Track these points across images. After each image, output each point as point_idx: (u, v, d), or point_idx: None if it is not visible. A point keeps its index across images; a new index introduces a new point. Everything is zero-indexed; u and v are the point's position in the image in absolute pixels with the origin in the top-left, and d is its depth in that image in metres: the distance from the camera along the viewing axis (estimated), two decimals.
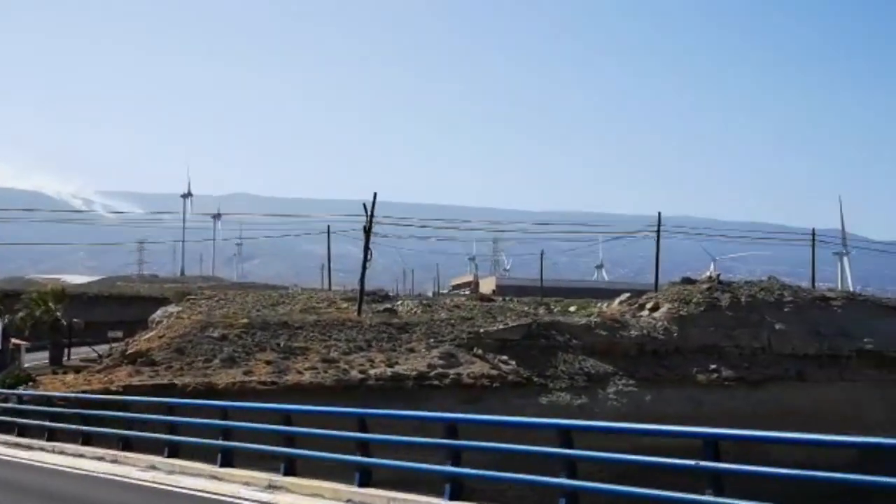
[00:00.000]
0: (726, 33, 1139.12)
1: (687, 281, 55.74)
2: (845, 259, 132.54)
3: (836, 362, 52.97)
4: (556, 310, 59.31)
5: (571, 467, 12.78)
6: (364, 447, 17.73)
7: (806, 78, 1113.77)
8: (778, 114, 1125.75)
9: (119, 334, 63.53)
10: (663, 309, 50.57)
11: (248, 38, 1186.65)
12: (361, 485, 17.11)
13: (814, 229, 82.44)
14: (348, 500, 16.87)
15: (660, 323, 49.32)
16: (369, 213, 53.12)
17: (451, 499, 14.94)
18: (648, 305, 51.47)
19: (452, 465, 15.43)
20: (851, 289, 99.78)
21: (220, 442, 21.66)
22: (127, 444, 25.58)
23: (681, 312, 50.16)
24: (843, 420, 48.62)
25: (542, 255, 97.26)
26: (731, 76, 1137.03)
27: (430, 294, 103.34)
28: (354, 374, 39.61)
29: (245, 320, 46.26)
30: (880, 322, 56.31)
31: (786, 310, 53.41)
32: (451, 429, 15.87)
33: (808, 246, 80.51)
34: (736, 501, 10.63)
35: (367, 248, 52.89)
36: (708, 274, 60.28)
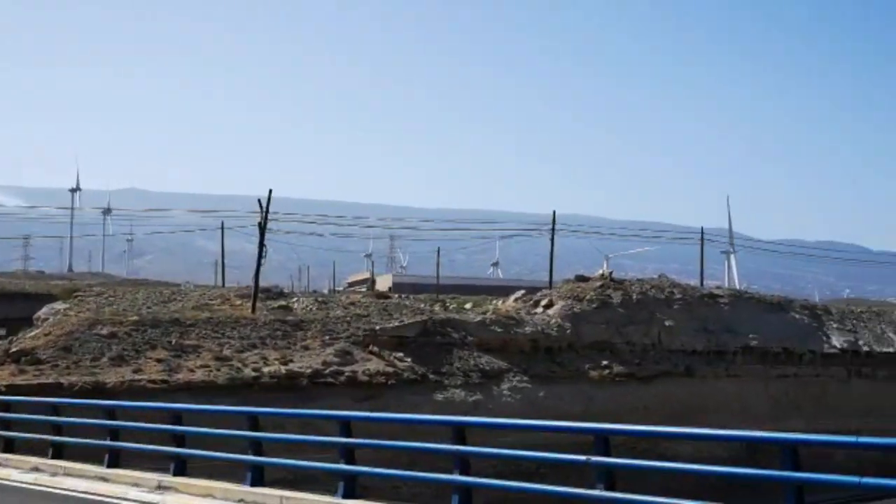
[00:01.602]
0: (618, 32, 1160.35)
1: (580, 279, 56.52)
2: (732, 257, 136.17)
3: (723, 358, 54.42)
4: (451, 307, 59.54)
5: (464, 464, 12.80)
6: (256, 446, 17.49)
7: (694, 77, 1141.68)
8: (666, 114, 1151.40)
9: (2, 332, 61.44)
10: (557, 306, 51.19)
11: (143, 31, 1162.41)
12: (253, 484, 16.89)
13: (702, 228, 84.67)
14: (240, 500, 16.64)
15: (554, 320, 49.92)
16: (264, 209, 52.50)
17: (344, 497, 14.85)
18: (543, 303, 52.04)
19: (346, 463, 15.33)
20: (738, 286, 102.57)
21: (107, 442, 21.12)
22: (8, 446, 24.74)
23: (574, 310, 50.85)
24: (729, 414, 50.07)
25: (438, 252, 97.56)
26: (620, 76, 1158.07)
27: (325, 291, 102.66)
28: (248, 372, 39.07)
29: (135, 317, 45.23)
30: (765, 319, 58.04)
31: (675, 307, 54.63)
32: (345, 426, 15.76)
33: (697, 244, 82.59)
34: (626, 496, 10.79)
35: (261, 245, 52.26)
36: (601, 272, 61.16)
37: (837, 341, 60.89)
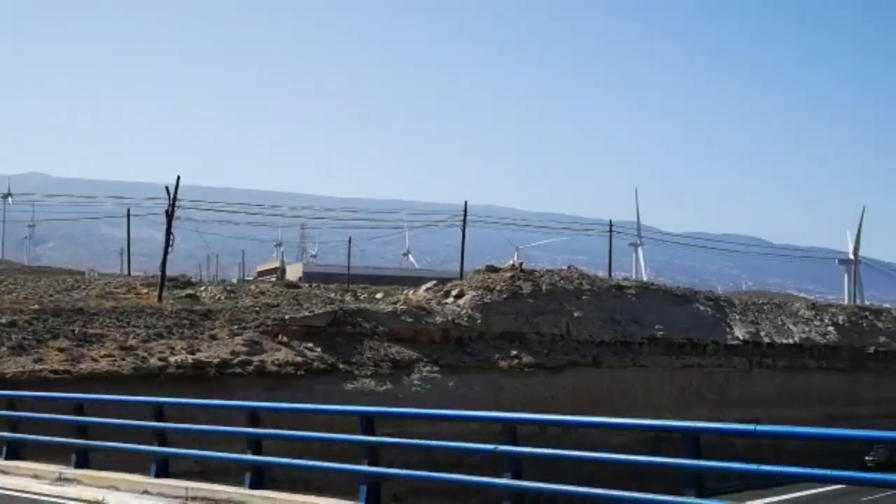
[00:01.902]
0: (531, 24, 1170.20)
1: (491, 269, 56.93)
2: (640, 250, 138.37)
3: (630, 348, 55.42)
4: (362, 297, 59.42)
5: (373, 454, 12.79)
6: (161, 437, 17.22)
7: (604, 69, 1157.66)
8: (577, 107, 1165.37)
9: None
10: (468, 297, 51.47)
11: (46, 9, 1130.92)
12: (158, 475, 16.62)
13: (611, 220, 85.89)
14: (144, 492, 16.37)
15: (464, 310, 50.18)
16: (172, 196, 51.63)
17: (251, 487, 14.71)
18: (453, 293, 52.27)
19: (253, 453, 15.19)
20: (645, 278, 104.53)
21: (6, 434, 20.57)
22: None
23: (485, 300, 51.19)
24: (635, 403, 50.98)
25: (349, 242, 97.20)
26: (527, 69, 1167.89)
27: (234, 280, 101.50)
28: (154, 361, 38.43)
29: (36, 306, 44.08)
30: (670, 310, 59.28)
31: (584, 298, 55.40)
32: (253, 417, 15.62)
33: (606, 236, 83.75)
34: (533, 484, 10.90)
35: (169, 233, 51.40)
36: (511, 263, 61.72)
37: (740, 332, 62.48)
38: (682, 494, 9.71)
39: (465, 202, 73.80)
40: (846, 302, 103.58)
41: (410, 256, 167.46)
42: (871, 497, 39.99)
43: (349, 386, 42.11)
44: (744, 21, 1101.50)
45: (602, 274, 72.26)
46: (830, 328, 69.11)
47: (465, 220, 71.95)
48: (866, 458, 50.13)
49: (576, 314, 53.82)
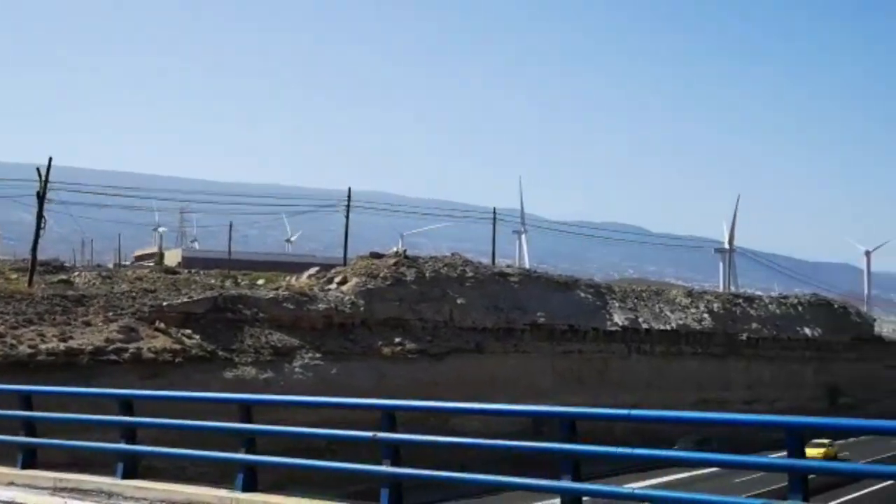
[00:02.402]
0: (410, 15, 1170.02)
1: (375, 256, 56.79)
2: (523, 237, 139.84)
3: (512, 335, 56.06)
4: (243, 283, 58.54)
5: (250, 442, 12.55)
6: (29, 426, 16.56)
7: (485, 58, 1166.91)
8: (462, 94, 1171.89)
9: None
10: (351, 283, 51.24)
11: None
12: (25, 466, 15.98)
13: (494, 208, 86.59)
14: (10, 483, 15.71)
15: (347, 297, 49.94)
16: (44, 178, 49.84)
17: (124, 477, 14.26)
18: (337, 279, 51.97)
19: (127, 442, 14.73)
20: (528, 265, 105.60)
21: None
22: None
23: (368, 286, 51.04)
24: (516, 389, 51.56)
25: (230, 227, 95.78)
26: (413, 52, 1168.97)
27: (110, 266, 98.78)
28: (23, 349, 37.12)
29: None
30: (552, 297, 60.15)
31: (467, 285, 55.76)
32: (126, 405, 15.13)
33: (490, 223, 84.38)
34: (410, 470, 10.83)
35: (40, 216, 49.64)
36: (395, 249, 61.68)
37: (619, 319, 63.87)
38: (559, 478, 9.77)
39: (350, 188, 73.41)
40: (721, 290, 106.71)
41: (293, 242, 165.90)
42: (742, 479, 41.36)
43: (229, 374, 41.50)
44: (630, 12, 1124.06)
45: (486, 261, 72.84)
46: (706, 315, 71.22)
47: (349, 206, 71.57)
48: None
49: (459, 301, 54.12)
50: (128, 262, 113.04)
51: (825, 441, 50.99)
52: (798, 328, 79.68)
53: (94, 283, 52.28)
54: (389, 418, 11.00)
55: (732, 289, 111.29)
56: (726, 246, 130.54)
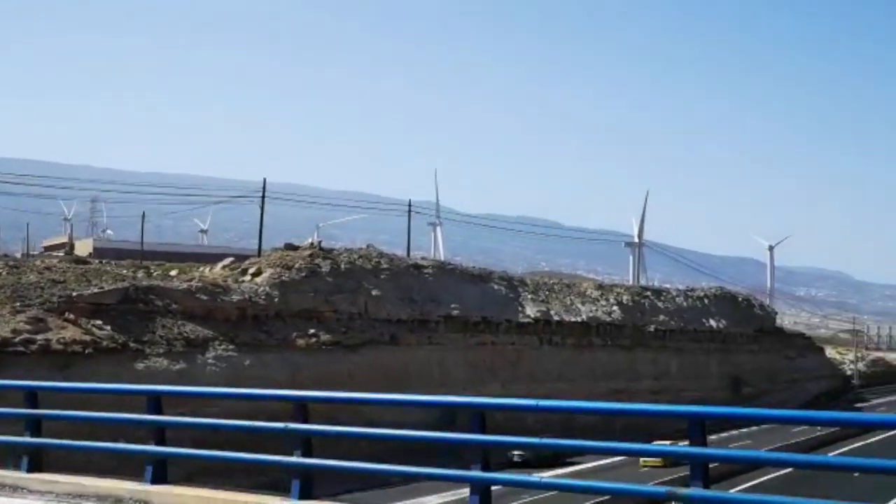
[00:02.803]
0: (332, 8, 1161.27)
1: (289, 247, 56.55)
2: (438, 229, 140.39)
3: (426, 326, 56.39)
4: (155, 274, 57.68)
5: (160, 434, 12.51)
6: None
7: (399, 49, 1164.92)
8: (375, 86, 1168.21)
9: None
10: (266, 274, 50.96)
11: None
12: None
13: (410, 201, 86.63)
14: None
15: (262, 288, 49.66)
16: None
17: (29, 471, 14.06)
18: (251, 271, 51.63)
19: (32, 435, 14.52)
20: (443, 258, 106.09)
21: None
22: None
23: (283, 278, 50.81)
24: (430, 380, 51.96)
25: (143, 217, 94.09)
26: (327, 45, 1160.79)
27: (18, 255, 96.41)
28: None
29: None
30: (466, 289, 60.64)
31: (382, 276, 55.87)
32: (31, 397, 14.90)
33: (405, 216, 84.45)
34: (321, 461, 10.94)
35: None
36: (310, 241, 61.49)
37: (531, 311, 64.67)
38: (469, 468, 9.99)
39: (264, 179, 72.79)
40: (630, 283, 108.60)
41: (208, 233, 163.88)
42: (646, 468, 42.35)
43: (140, 365, 40.98)
44: (535, 7, 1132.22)
45: (401, 253, 72.95)
46: (615, 307, 72.51)
47: (263, 197, 70.94)
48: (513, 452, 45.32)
49: (374, 293, 54.22)
50: (36, 252, 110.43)
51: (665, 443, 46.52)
52: (704, 320, 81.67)
53: (0, 273, 51.04)
54: (300, 409, 11.10)
55: (642, 282, 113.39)
56: (636, 240, 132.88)
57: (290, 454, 11.12)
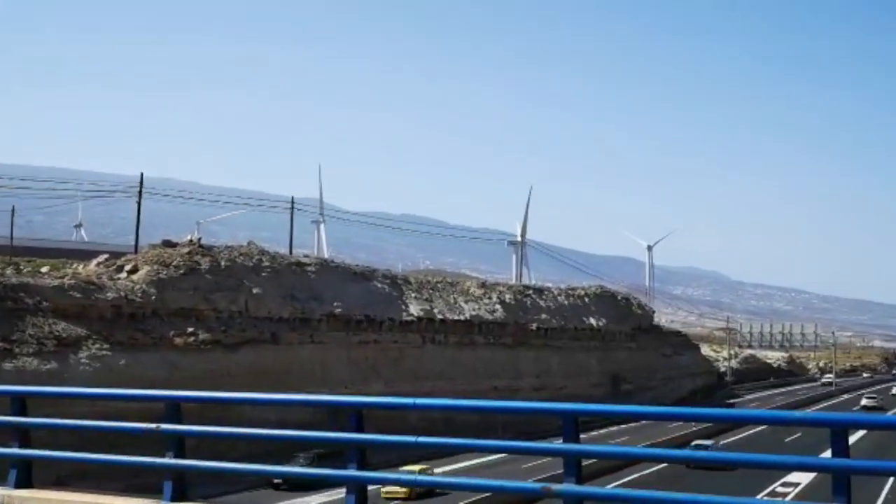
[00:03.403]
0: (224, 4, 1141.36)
1: (168, 244, 55.33)
2: (321, 227, 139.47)
3: (308, 325, 55.89)
4: (25, 270, 55.68)
5: (25, 435, 12.07)
6: None
7: (286, 43, 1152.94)
8: (264, 82, 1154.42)
9: None
10: (142, 271, 49.76)
11: None
12: None
13: (293, 197, 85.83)
14: None
15: (138, 286, 48.47)
16: None
17: None
18: (127, 268, 50.34)
19: None
20: (326, 255, 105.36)
21: None
22: None
23: (160, 275, 49.70)
24: (312, 379, 51.53)
25: (13, 211, 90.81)
26: (207, 47, 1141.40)
27: None
28: None
29: None
30: (349, 287, 60.34)
31: (263, 274, 55.15)
32: None
33: (288, 212, 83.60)
34: (193, 462, 10.70)
35: None
36: (189, 237, 60.22)
37: (415, 309, 64.76)
38: (345, 468, 9.89)
39: (142, 174, 71.01)
40: (513, 281, 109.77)
41: (82, 229, 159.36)
42: (529, 465, 42.86)
43: (8, 365, 39.53)
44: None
45: (283, 250, 72.19)
46: (498, 306, 73.21)
47: (140, 192, 69.22)
48: None
49: (255, 291, 53.48)
50: None
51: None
52: (584, 319, 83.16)
53: None
54: (173, 409, 10.82)
55: (524, 281, 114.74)
56: (519, 239, 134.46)
57: (163, 455, 10.85)
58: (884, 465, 8.58)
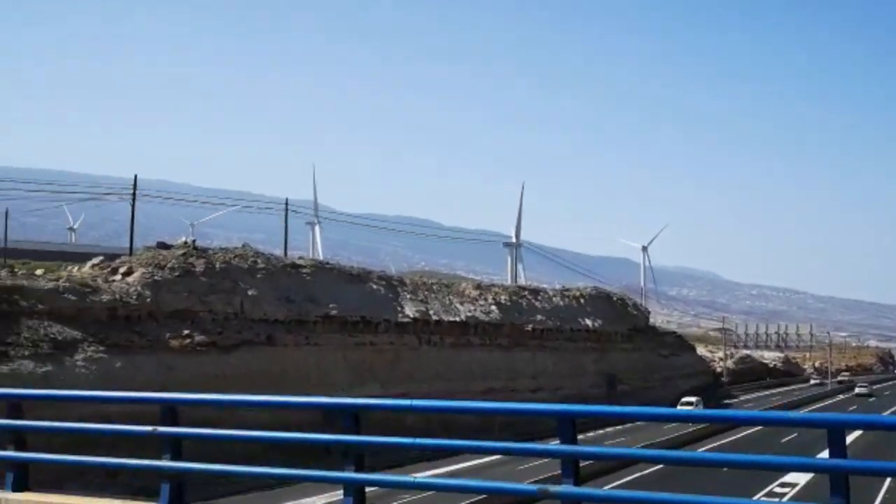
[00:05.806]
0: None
1: (162, 246, 55.27)
2: (316, 228, 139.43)
3: (304, 327, 55.79)
4: (20, 272, 55.59)
5: (20, 439, 12.04)
6: None
7: (276, 47, 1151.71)
8: (254, 84, 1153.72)
9: None
10: (137, 274, 49.66)
11: None
12: None
13: (287, 199, 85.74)
14: None
15: (133, 288, 48.37)
16: None
17: None
18: (122, 270, 50.23)
19: None
20: (321, 257, 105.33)
21: None
22: None
23: (155, 277, 49.60)
24: (308, 381, 51.44)
25: (7, 214, 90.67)
26: (199, 51, 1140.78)
27: None
28: None
29: None
30: (345, 289, 60.25)
31: (258, 276, 55.06)
32: None
33: (283, 214, 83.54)
34: (191, 465, 10.68)
35: None
36: (184, 239, 60.19)
37: (411, 311, 64.69)
38: (342, 469, 9.88)
39: (135, 176, 70.93)
40: (508, 282, 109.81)
41: (77, 231, 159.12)
42: (528, 465, 42.81)
43: (4, 368, 39.40)
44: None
45: (278, 252, 72.14)
46: (493, 307, 73.19)
47: (134, 195, 69.13)
48: None
49: (250, 292, 53.40)
50: None
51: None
52: (580, 319, 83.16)
53: None
54: (169, 411, 10.80)
55: (520, 282, 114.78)
56: (514, 240, 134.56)
57: (160, 458, 10.83)
58: (882, 466, 8.58)
